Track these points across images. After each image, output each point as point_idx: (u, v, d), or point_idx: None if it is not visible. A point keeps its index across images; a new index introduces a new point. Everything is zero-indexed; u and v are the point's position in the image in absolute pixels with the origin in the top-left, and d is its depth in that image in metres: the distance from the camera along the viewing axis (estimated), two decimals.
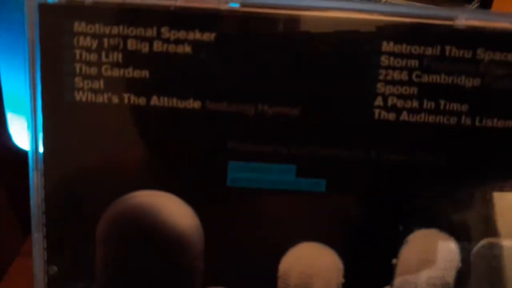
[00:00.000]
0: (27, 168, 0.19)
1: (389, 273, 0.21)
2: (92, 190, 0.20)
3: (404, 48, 0.19)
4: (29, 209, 0.19)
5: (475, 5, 0.33)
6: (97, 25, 0.18)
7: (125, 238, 0.20)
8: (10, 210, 0.31)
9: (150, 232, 0.20)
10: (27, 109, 0.19)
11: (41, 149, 0.19)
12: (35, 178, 0.19)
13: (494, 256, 0.21)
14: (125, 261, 0.20)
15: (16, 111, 0.28)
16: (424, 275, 0.21)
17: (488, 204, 0.20)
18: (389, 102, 0.19)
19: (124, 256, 0.20)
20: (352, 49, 0.19)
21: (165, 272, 0.20)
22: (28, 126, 0.19)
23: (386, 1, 0.34)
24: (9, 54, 0.27)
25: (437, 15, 0.19)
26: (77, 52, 0.18)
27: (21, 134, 0.29)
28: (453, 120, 0.19)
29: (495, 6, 0.31)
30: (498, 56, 0.19)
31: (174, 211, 0.20)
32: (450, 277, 0.21)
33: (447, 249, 0.20)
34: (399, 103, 0.19)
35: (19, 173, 0.22)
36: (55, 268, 0.20)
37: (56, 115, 0.19)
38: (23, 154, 0.25)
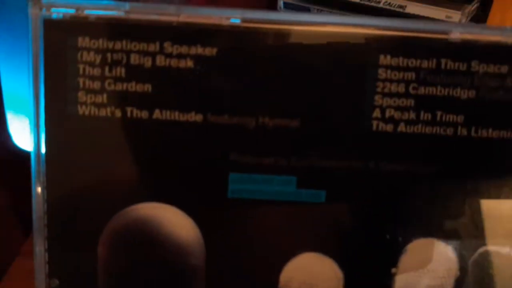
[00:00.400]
0: (27, 168, 0.19)
1: (388, 282, 0.21)
2: (94, 203, 0.20)
3: (400, 61, 0.19)
4: (29, 209, 0.19)
5: (475, 5, 0.33)
6: (100, 40, 0.19)
7: (127, 251, 0.20)
8: (10, 210, 0.31)
9: (152, 244, 0.20)
10: (31, 123, 0.19)
11: (43, 163, 0.19)
12: (37, 191, 0.19)
13: (492, 264, 0.21)
14: (127, 273, 0.20)
15: (16, 111, 0.28)
16: (423, 284, 0.21)
17: (485, 212, 0.21)
18: (387, 114, 0.19)
19: (126, 268, 0.20)
20: (350, 62, 0.19)
21: (167, 283, 0.20)
22: (31, 140, 0.19)
23: (386, 1, 0.34)
24: (9, 54, 0.27)
25: (432, 29, 0.19)
26: (81, 66, 0.19)
27: (21, 134, 0.28)
28: (449, 131, 0.20)
29: (495, 6, 0.32)
30: (492, 68, 0.19)
31: (175, 223, 0.20)
32: (449, 285, 0.21)
33: (445, 258, 0.21)
34: (397, 114, 0.20)
35: (19, 173, 0.22)
36: (56, 282, 0.20)
37: (59, 128, 0.19)
38: (23, 154, 0.25)
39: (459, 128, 0.20)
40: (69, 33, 0.18)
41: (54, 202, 0.19)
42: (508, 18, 0.34)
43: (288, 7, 0.37)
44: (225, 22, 0.19)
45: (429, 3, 0.35)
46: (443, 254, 0.21)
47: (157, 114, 0.19)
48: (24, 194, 0.20)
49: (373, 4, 0.36)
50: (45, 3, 0.18)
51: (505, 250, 0.21)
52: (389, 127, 0.20)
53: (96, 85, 0.19)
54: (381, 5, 0.36)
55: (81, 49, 0.19)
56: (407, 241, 0.21)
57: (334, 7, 0.36)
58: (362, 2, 0.36)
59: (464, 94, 0.19)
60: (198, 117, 0.19)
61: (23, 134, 0.28)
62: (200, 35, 0.19)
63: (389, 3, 0.35)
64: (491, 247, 0.21)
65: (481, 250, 0.21)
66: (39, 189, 0.19)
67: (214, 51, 0.19)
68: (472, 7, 0.34)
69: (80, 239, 0.20)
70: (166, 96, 0.19)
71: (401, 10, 0.35)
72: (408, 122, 0.20)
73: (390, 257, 0.21)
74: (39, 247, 0.20)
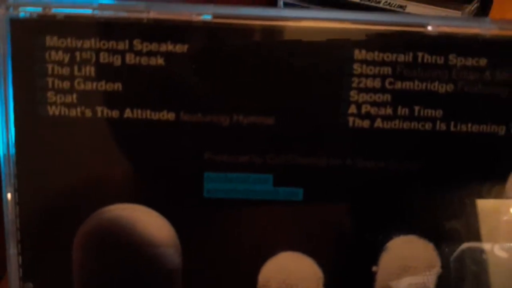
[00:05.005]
0: None
1: (369, 281, 0.20)
2: (67, 205, 0.19)
3: (376, 55, 0.19)
4: None
5: (475, 5, 0.33)
6: (69, 39, 0.18)
7: (101, 253, 0.20)
8: None
9: (126, 246, 0.20)
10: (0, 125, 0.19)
11: (14, 165, 0.19)
12: (8, 194, 0.19)
13: (474, 261, 0.21)
14: (103, 276, 0.20)
15: None
16: (405, 282, 0.21)
17: (467, 209, 0.20)
18: (363, 110, 0.19)
19: (101, 271, 0.20)
20: (325, 57, 0.19)
21: (142, 286, 0.20)
22: (0, 142, 0.19)
23: (386, 1, 0.34)
24: None
25: (408, 22, 0.19)
26: (49, 66, 0.18)
27: None
28: (428, 126, 0.19)
29: (495, 6, 0.32)
30: (470, 61, 0.19)
31: (150, 224, 0.20)
32: (431, 283, 0.21)
33: (427, 255, 0.20)
34: (373, 110, 0.19)
35: None
36: (31, 285, 0.20)
37: (29, 130, 0.19)
38: None
39: (438, 123, 0.19)
40: (37, 32, 0.18)
41: (26, 205, 0.19)
42: (509, 18, 0.33)
43: (288, 7, 0.36)
44: (196, 18, 0.18)
45: (429, 3, 0.34)
46: (424, 252, 0.20)
47: (128, 113, 0.19)
48: None
49: (372, 4, 0.35)
50: (12, 2, 0.18)
51: (487, 246, 0.21)
52: (366, 123, 0.19)
53: (66, 84, 0.19)
54: (381, 5, 0.35)
55: (49, 49, 0.18)
56: (388, 239, 0.20)
57: (334, 7, 0.36)
58: (362, 2, 0.36)
59: (442, 88, 0.19)
60: (171, 116, 0.19)
61: None
62: (171, 31, 0.18)
63: (389, 3, 0.35)
64: (473, 244, 0.21)
65: (463, 247, 0.21)
66: (10, 191, 0.19)
67: (185, 48, 0.18)
68: (472, 7, 0.34)
69: (53, 242, 0.20)
70: (137, 94, 0.19)
71: (401, 10, 0.35)
72: (385, 118, 0.19)
73: (371, 255, 0.20)
74: (12, 250, 0.19)
